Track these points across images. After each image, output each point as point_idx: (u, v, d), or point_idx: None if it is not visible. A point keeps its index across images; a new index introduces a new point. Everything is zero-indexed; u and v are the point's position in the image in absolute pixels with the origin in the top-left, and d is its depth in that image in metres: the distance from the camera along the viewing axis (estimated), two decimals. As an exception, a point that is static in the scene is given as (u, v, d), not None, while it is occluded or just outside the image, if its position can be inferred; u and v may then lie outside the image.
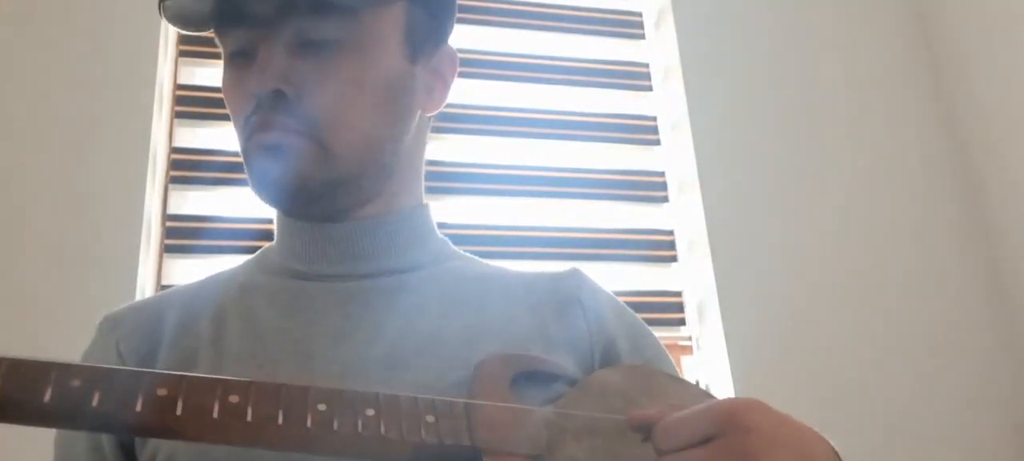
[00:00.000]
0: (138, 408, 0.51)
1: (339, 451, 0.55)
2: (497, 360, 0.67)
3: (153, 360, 0.72)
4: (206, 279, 0.81)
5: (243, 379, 0.53)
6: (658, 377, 0.70)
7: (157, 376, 0.52)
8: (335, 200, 0.74)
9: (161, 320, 0.75)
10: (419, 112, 0.79)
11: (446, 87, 0.82)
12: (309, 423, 0.53)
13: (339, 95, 0.72)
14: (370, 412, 0.56)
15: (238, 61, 0.74)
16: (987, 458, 1.81)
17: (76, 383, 0.50)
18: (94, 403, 0.50)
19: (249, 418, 0.52)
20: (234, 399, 0.52)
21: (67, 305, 1.50)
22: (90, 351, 0.76)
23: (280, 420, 0.53)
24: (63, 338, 1.47)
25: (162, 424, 0.51)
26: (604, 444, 0.62)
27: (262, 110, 0.71)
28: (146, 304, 0.77)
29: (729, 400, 0.54)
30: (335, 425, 0.54)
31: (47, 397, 0.49)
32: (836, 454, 0.60)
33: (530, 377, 0.69)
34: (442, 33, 0.81)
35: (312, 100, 0.71)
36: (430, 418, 0.58)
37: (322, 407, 0.55)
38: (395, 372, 0.68)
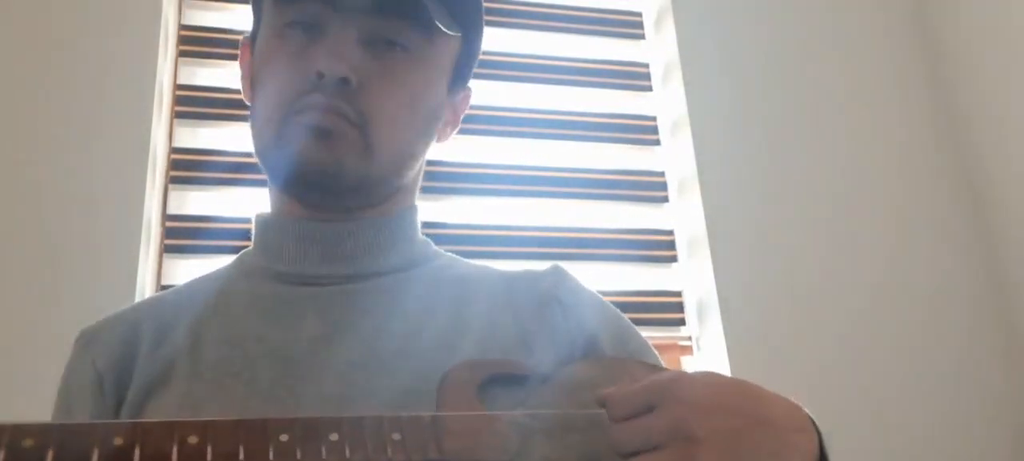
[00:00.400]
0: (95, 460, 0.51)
1: None
2: (463, 368, 0.67)
3: (130, 373, 0.72)
4: (183, 286, 0.80)
5: (199, 419, 0.53)
6: (631, 367, 0.69)
7: (111, 426, 0.52)
8: (368, 195, 0.76)
9: (137, 332, 0.74)
10: (435, 139, 0.83)
11: (457, 124, 0.87)
12: (272, 455, 0.53)
13: (397, 101, 0.74)
14: (334, 437, 0.55)
15: (296, 32, 0.75)
16: (987, 457, 1.80)
17: (28, 443, 0.50)
18: None
19: (209, 457, 0.52)
20: (192, 440, 0.52)
21: (67, 305, 1.51)
22: (68, 368, 0.76)
23: (241, 455, 0.53)
24: (63, 339, 1.48)
25: None
26: (576, 439, 0.62)
27: (323, 92, 0.72)
28: (122, 316, 0.77)
29: (670, 372, 0.57)
30: (298, 454, 0.54)
31: None
32: (812, 421, 0.60)
33: (500, 381, 0.68)
34: (470, 74, 0.86)
35: (372, 97, 0.73)
36: (396, 436, 0.57)
37: (284, 437, 0.54)
38: (374, 376, 0.68)
